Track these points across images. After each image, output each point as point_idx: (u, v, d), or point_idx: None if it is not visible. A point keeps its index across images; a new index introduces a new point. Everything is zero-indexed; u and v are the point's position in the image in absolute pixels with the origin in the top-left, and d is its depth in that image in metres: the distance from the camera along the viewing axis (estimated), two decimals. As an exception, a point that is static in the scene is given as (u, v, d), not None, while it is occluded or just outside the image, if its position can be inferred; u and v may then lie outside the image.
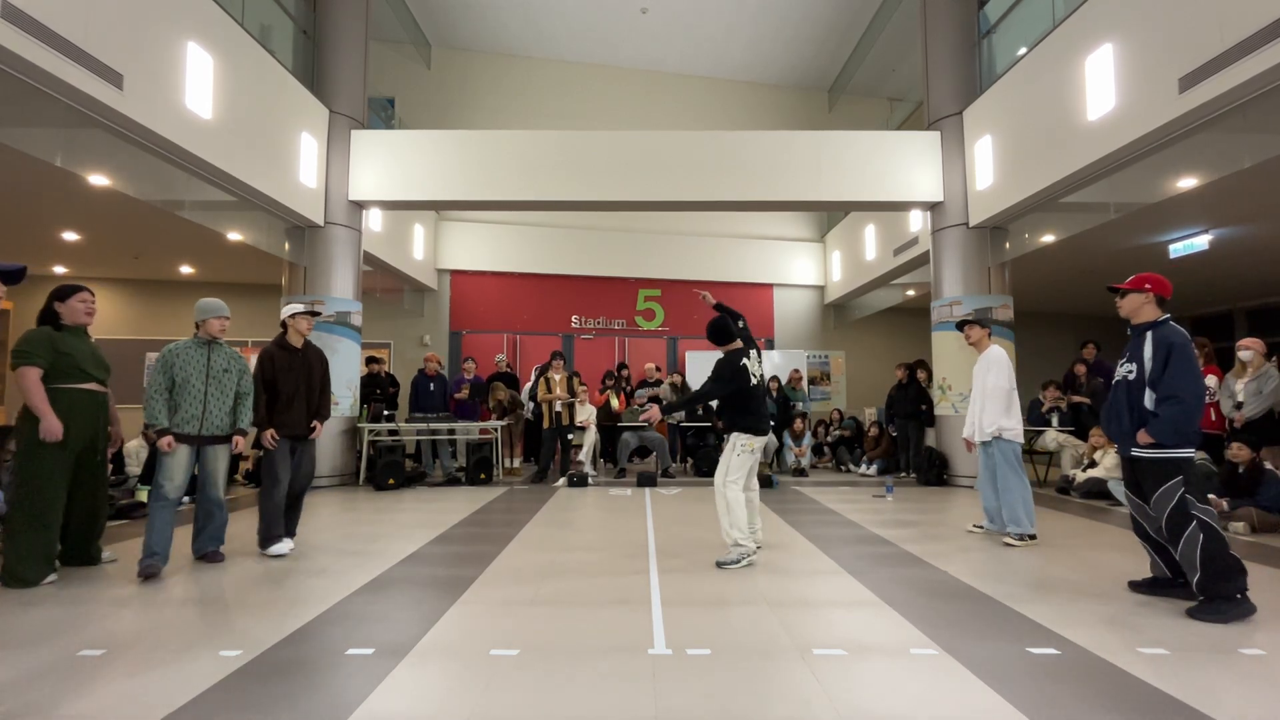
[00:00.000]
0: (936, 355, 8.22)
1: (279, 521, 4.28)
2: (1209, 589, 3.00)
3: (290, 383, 4.35)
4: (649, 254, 12.44)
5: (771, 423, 9.07)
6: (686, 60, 12.34)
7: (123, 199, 6.27)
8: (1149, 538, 3.39)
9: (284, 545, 4.27)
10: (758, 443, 4.16)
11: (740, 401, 4.14)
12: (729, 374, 4.10)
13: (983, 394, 4.78)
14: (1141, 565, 3.74)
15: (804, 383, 11.01)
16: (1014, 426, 4.70)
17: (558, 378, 8.20)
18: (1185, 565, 3.07)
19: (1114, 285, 3.44)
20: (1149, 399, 3.22)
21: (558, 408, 8.12)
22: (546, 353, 9.06)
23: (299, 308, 4.47)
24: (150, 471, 6.17)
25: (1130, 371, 3.30)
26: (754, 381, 4.16)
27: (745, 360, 4.16)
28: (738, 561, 3.97)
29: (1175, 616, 3.02)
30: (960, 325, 5.04)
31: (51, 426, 3.60)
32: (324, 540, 4.73)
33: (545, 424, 8.24)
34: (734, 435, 4.16)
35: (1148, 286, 3.30)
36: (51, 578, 3.63)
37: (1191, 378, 3.11)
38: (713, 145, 8.25)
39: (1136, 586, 3.43)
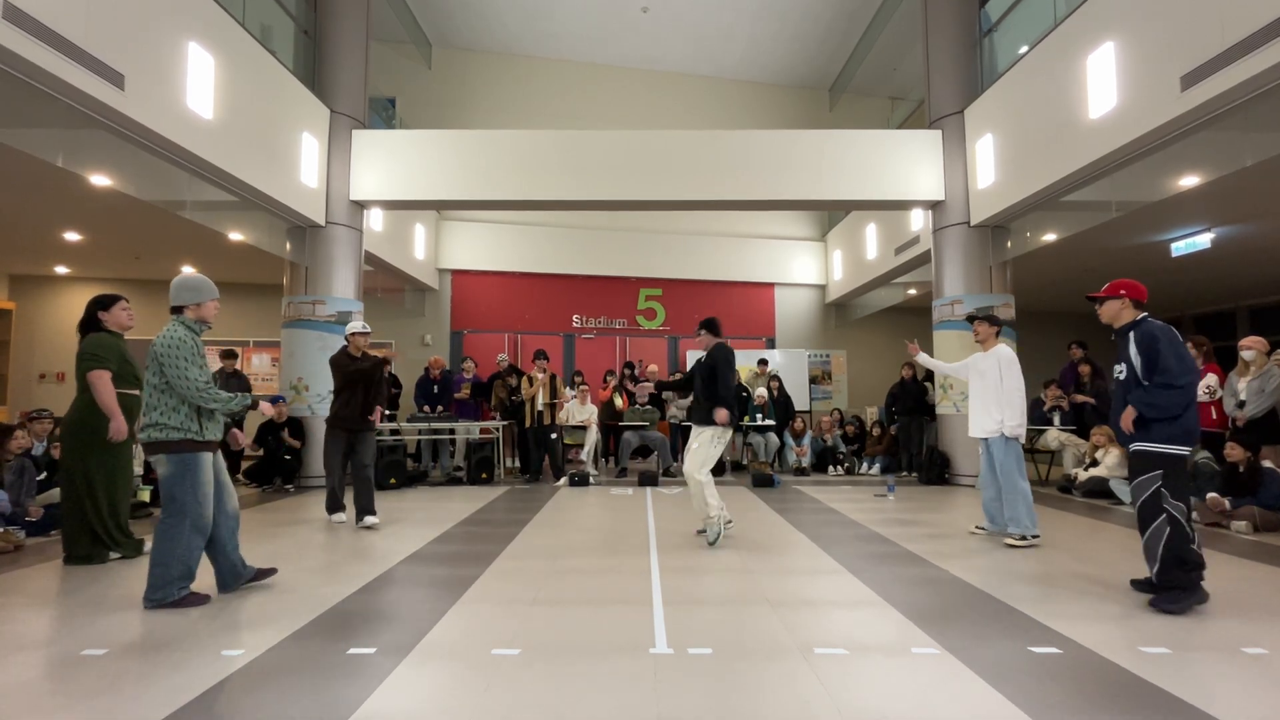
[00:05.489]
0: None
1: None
2: (1164, 578, 3.13)
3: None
4: (650, 253, 12.43)
5: (773, 422, 9.13)
6: (686, 60, 12.33)
7: (123, 199, 6.27)
8: None
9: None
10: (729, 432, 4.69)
11: (734, 394, 4.67)
12: (733, 359, 4.65)
13: (997, 392, 4.70)
14: (1143, 564, 3.73)
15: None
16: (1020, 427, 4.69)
17: (540, 377, 8.13)
18: (1147, 555, 3.22)
19: (1092, 295, 3.55)
20: None
21: (539, 407, 8.07)
22: (548, 352, 9.01)
23: (357, 326, 5.53)
24: (148, 469, 6.13)
25: (1120, 372, 3.40)
26: None
27: None
28: (720, 533, 4.50)
29: (1176, 616, 3.02)
30: (971, 319, 5.03)
31: (121, 427, 3.97)
32: (325, 539, 4.74)
33: (528, 423, 8.17)
34: (710, 429, 4.59)
35: (1122, 292, 3.43)
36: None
37: (1179, 360, 3.14)
38: (713, 145, 8.23)
39: (1138, 585, 3.43)
